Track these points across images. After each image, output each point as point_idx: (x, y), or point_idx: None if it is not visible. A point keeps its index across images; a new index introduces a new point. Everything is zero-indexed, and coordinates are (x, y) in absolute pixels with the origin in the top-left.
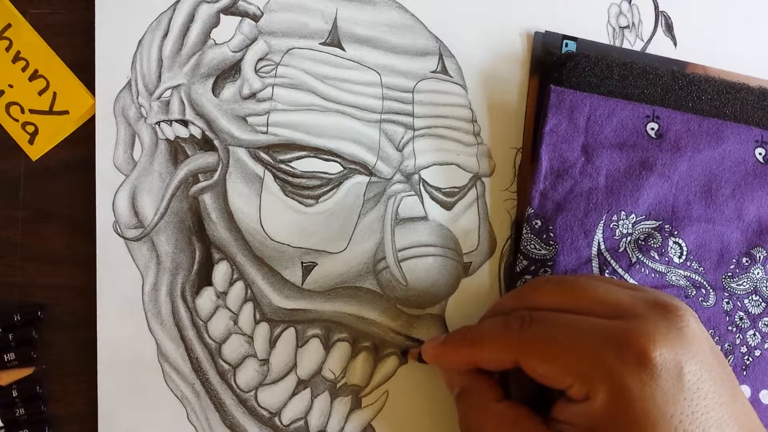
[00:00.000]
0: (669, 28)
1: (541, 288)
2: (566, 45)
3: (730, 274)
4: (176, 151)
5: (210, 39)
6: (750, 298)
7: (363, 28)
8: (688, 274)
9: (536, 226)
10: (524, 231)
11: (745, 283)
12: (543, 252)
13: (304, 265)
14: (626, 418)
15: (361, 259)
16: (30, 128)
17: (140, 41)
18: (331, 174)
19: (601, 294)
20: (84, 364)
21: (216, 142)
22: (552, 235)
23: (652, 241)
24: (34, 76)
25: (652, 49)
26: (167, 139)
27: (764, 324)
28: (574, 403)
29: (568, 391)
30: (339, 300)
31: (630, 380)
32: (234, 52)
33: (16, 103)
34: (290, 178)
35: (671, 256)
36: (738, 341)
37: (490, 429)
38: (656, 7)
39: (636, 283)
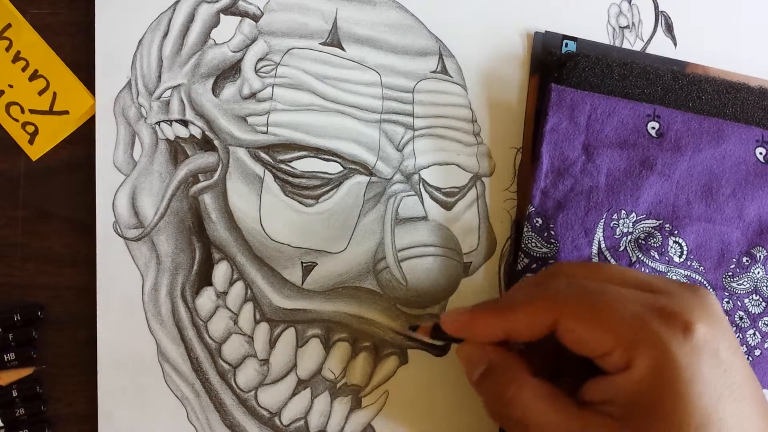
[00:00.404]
0: (669, 28)
1: (568, 265)
2: (566, 45)
3: (730, 273)
4: (176, 151)
5: (210, 39)
6: (750, 297)
7: (363, 28)
8: (689, 273)
9: (537, 224)
10: (525, 229)
11: (745, 283)
12: (544, 250)
13: (304, 265)
14: (671, 389)
15: (361, 259)
16: (30, 128)
17: (140, 41)
18: (331, 174)
19: (628, 273)
20: (84, 364)
21: (216, 142)
22: (553, 233)
23: (652, 241)
24: (34, 76)
25: (652, 49)
26: (167, 139)
27: (764, 323)
28: (610, 376)
29: (606, 359)
30: (339, 300)
31: (677, 349)
32: (234, 52)
33: (16, 103)
34: (290, 178)
35: (671, 255)
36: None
37: (526, 402)
38: (656, 7)
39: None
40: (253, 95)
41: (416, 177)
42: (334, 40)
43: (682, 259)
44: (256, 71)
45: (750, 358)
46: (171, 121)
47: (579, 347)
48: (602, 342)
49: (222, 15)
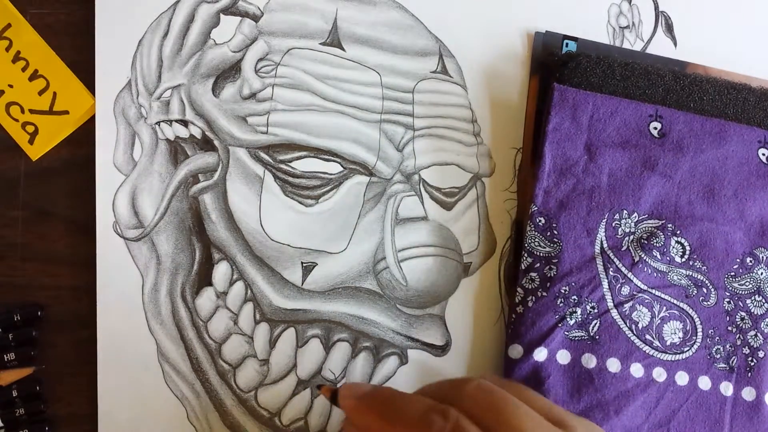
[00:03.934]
0: (669, 28)
1: (472, 393)
2: (566, 45)
3: (732, 273)
4: (176, 151)
5: (210, 39)
6: (753, 298)
7: (363, 28)
8: (691, 273)
9: (540, 224)
10: (528, 228)
11: (747, 283)
12: (547, 249)
13: (304, 265)
14: None
15: (361, 259)
16: (30, 128)
17: (140, 41)
18: (331, 174)
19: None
20: (84, 364)
21: (216, 142)
22: (556, 232)
23: (654, 240)
24: (34, 76)
25: (652, 49)
26: (167, 139)
27: (766, 324)
28: None
29: None
30: (339, 300)
31: None
32: (234, 52)
33: (16, 103)
34: (290, 178)
35: (672, 255)
36: (739, 342)
37: None
38: (656, 7)
39: (639, 283)
40: (253, 95)
41: (416, 177)
42: (334, 40)
43: (684, 259)
44: (256, 71)
45: (754, 360)
46: (171, 121)
47: None
48: None
49: (222, 15)
